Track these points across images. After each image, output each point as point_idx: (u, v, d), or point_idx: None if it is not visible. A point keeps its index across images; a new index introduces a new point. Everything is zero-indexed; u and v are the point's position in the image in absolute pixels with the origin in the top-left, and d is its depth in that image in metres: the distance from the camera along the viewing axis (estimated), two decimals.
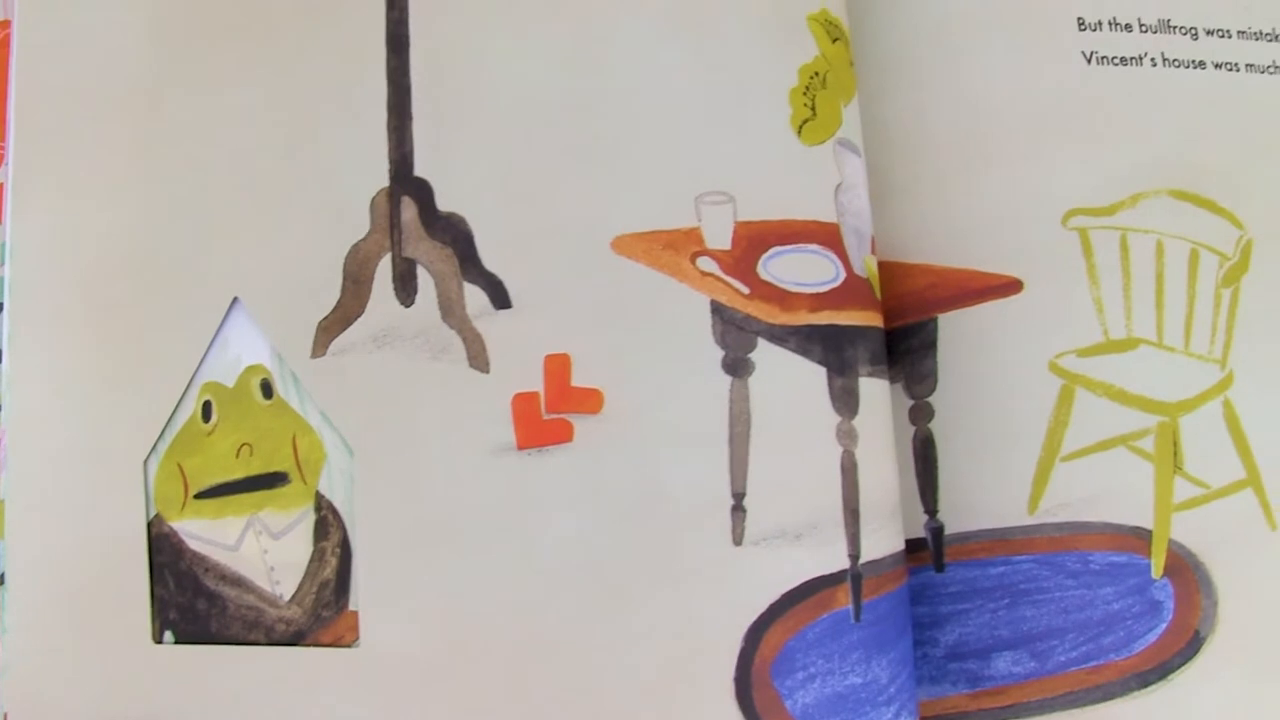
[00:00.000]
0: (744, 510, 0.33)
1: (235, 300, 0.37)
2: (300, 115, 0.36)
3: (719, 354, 0.33)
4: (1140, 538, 0.38)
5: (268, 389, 0.37)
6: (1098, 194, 0.39)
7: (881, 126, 0.40)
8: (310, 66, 0.37)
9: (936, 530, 0.38)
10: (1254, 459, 0.38)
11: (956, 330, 0.39)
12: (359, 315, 0.36)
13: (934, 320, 0.39)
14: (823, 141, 0.36)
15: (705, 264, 0.33)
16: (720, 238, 0.33)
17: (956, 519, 0.38)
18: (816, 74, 0.36)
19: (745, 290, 0.33)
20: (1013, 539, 0.38)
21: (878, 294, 0.37)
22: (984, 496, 0.38)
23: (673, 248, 0.33)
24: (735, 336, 0.33)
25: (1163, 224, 0.40)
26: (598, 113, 0.34)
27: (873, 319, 0.36)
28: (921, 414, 0.39)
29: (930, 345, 0.39)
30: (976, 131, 0.40)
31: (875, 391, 0.36)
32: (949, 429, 0.38)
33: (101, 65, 0.38)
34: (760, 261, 0.34)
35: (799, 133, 0.35)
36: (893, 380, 0.39)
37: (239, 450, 0.37)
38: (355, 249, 0.36)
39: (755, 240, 0.34)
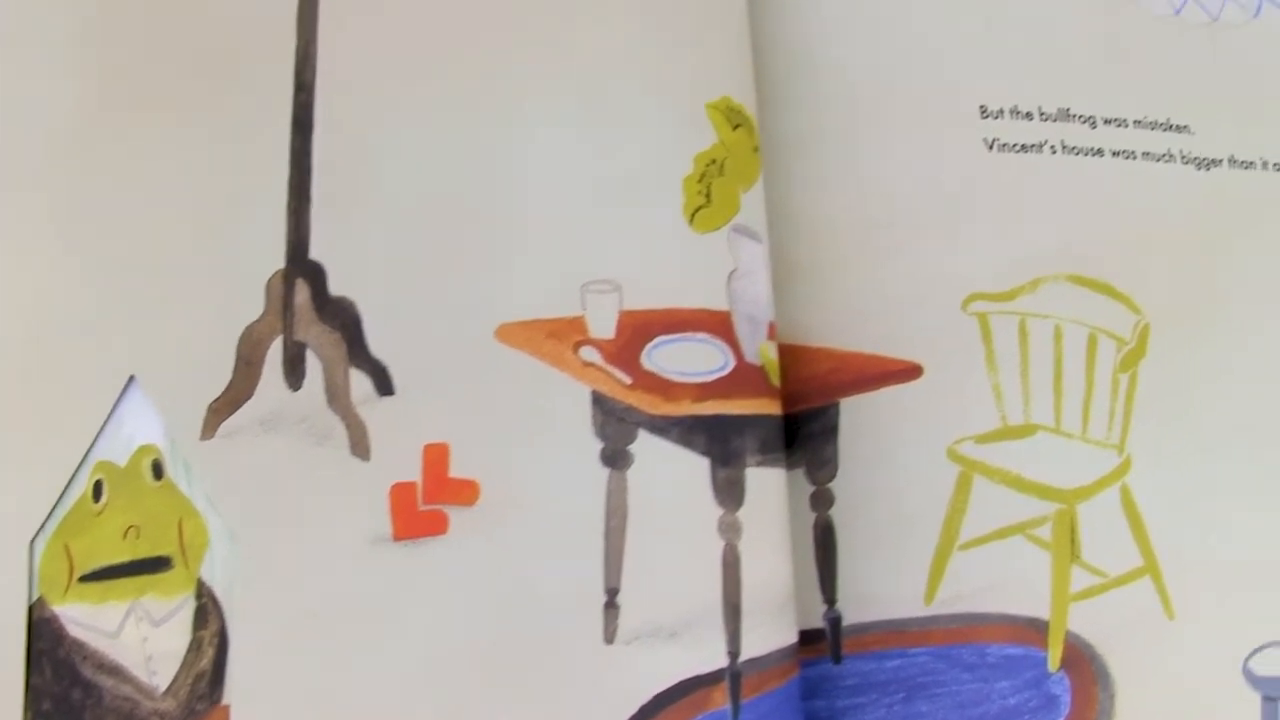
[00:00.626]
0: (617, 607, 0.32)
1: (132, 378, 0.36)
2: (204, 194, 0.36)
3: (598, 445, 0.33)
4: (1037, 629, 0.37)
5: (158, 470, 0.37)
6: (997, 279, 0.39)
7: (786, 210, 0.40)
8: (216, 145, 0.36)
9: (834, 621, 0.37)
10: (1151, 547, 0.38)
11: (858, 415, 0.38)
12: (248, 398, 0.35)
13: (836, 405, 0.38)
14: (717, 228, 0.36)
15: (588, 353, 0.33)
16: (604, 327, 0.33)
17: (856, 609, 0.37)
18: (714, 161, 0.36)
19: (627, 380, 0.33)
20: (909, 630, 0.37)
21: (774, 381, 0.36)
22: (882, 586, 0.37)
23: (556, 337, 0.33)
24: (615, 428, 0.33)
25: (1061, 309, 0.40)
26: (489, 199, 0.34)
27: (766, 407, 0.36)
28: (822, 500, 0.38)
29: (831, 430, 0.38)
30: (879, 216, 0.40)
31: (767, 481, 0.35)
32: (849, 516, 0.38)
33: (9, 138, 0.38)
34: (644, 351, 0.34)
35: (691, 220, 0.35)
36: (795, 466, 0.38)
37: (126, 532, 0.36)
38: (249, 330, 0.36)
39: (640, 329, 0.34)
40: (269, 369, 0.36)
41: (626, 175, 0.34)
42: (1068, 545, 0.38)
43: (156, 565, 0.36)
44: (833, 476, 0.38)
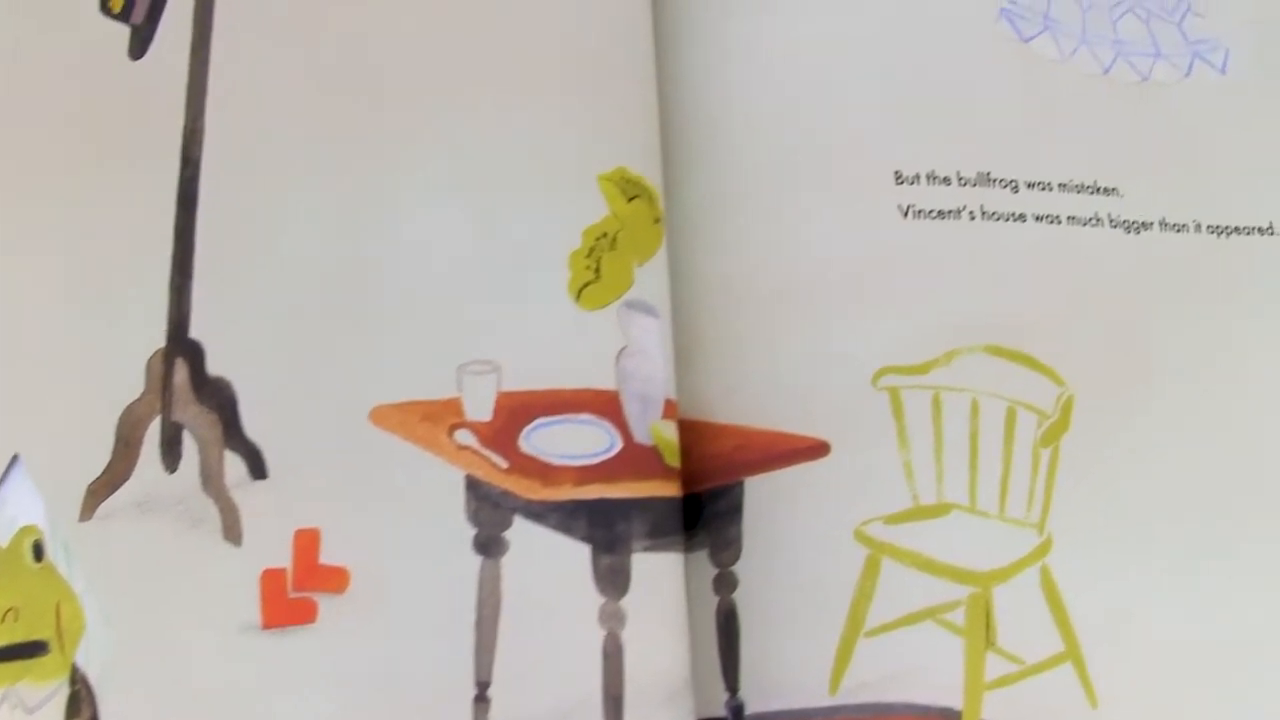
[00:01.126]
0: (487, 700, 0.31)
1: (16, 457, 0.37)
2: (88, 269, 0.37)
3: (471, 532, 0.32)
4: (948, 719, 0.36)
5: (39, 551, 0.37)
6: (910, 352, 0.39)
7: (693, 282, 0.39)
8: (100, 221, 0.37)
9: (737, 709, 0.36)
10: (1073, 631, 0.37)
11: (763, 495, 0.38)
12: (126, 479, 0.36)
13: (740, 484, 0.38)
14: (605, 305, 0.36)
15: (463, 436, 0.33)
16: (481, 409, 0.33)
17: (759, 697, 0.37)
18: (604, 235, 0.36)
19: (503, 464, 0.33)
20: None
21: (671, 460, 0.36)
22: (786, 673, 0.37)
23: (430, 419, 0.33)
24: (489, 513, 0.33)
25: (978, 382, 0.39)
26: (369, 279, 0.35)
27: (658, 489, 0.35)
28: (725, 583, 0.37)
29: (735, 510, 0.38)
30: (789, 287, 0.39)
31: (658, 566, 0.35)
32: (753, 600, 0.37)
33: None
34: (523, 434, 0.33)
35: (577, 297, 0.35)
36: (698, 547, 0.38)
37: (5, 615, 0.36)
38: (129, 410, 0.36)
39: (519, 411, 0.34)
40: (147, 450, 0.36)
41: (508, 252, 0.35)
42: (982, 630, 0.37)
43: (34, 650, 0.36)
44: (736, 559, 0.38)
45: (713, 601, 0.37)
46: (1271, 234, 0.44)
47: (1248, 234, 0.44)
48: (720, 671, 0.37)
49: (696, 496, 0.38)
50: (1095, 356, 0.40)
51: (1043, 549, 0.38)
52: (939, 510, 0.38)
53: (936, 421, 0.39)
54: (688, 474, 0.38)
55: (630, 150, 0.38)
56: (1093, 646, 0.37)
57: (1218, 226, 0.43)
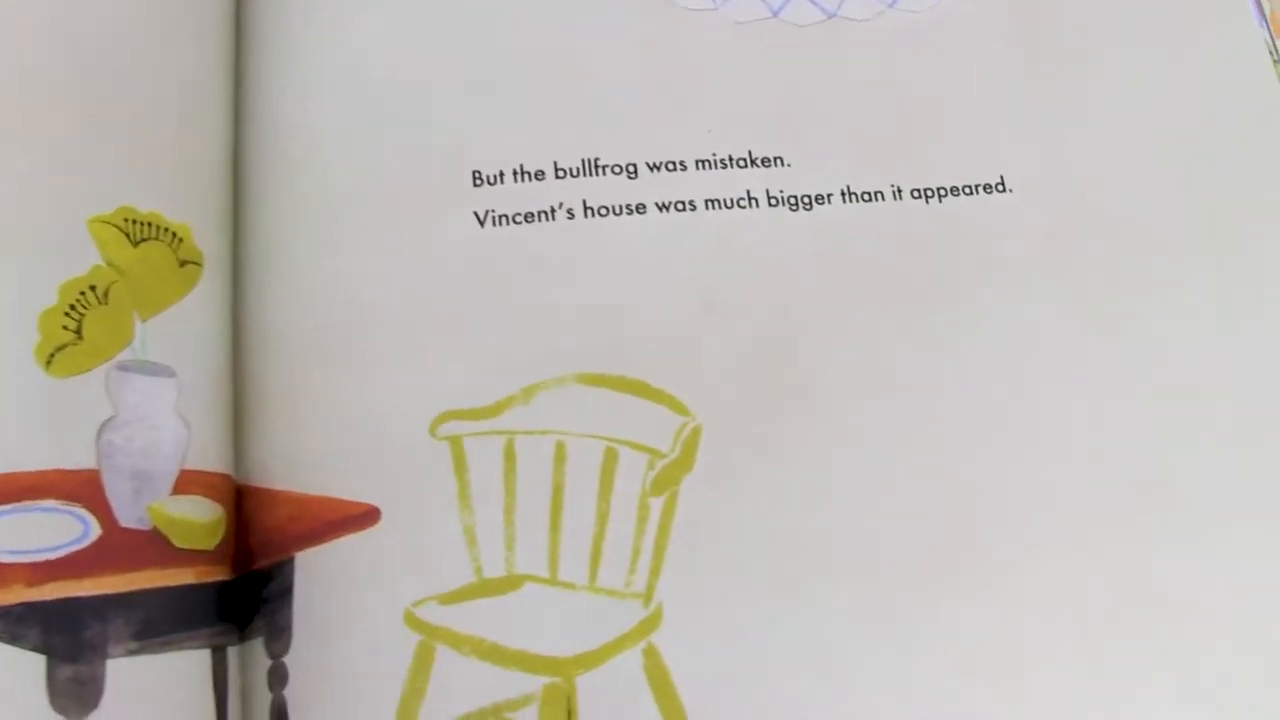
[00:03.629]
0: None
1: None
2: None
3: None
4: None
5: None
6: (479, 392, 0.36)
7: (259, 332, 0.38)
8: None
9: None
10: None
11: (315, 572, 0.36)
12: None
13: (290, 561, 0.36)
14: (88, 369, 0.35)
15: None
16: None
17: None
18: (92, 288, 0.36)
19: None
20: None
21: (188, 542, 0.35)
22: None
23: None
24: None
25: (567, 421, 0.36)
26: None
27: (156, 579, 0.34)
28: (277, 678, 0.36)
29: (286, 592, 0.36)
30: (346, 327, 0.37)
31: (158, 669, 0.34)
32: (304, 697, 0.35)
33: None
34: None
35: (47, 364, 0.35)
36: (254, 636, 0.36)
37: None
38: None
39: None
40: None
41: None
42: None
43: None
44: (287, 649, 0.36)
45: (268, 699, 0.36)
46: (1003, 190, 0.38)
47: (969, 194, 0.38)
48: None
49: (261, 575, 0.37)
50: (738, 374, 0.36)
51: (648, 624, 0.34)
52: (508, 584, 0.35)
53: (509, 475, 0.35)
54: (248, 550, 0.37)
55: (145, 184, 0.37)
56: None
57: (925, 189, 0.38)
